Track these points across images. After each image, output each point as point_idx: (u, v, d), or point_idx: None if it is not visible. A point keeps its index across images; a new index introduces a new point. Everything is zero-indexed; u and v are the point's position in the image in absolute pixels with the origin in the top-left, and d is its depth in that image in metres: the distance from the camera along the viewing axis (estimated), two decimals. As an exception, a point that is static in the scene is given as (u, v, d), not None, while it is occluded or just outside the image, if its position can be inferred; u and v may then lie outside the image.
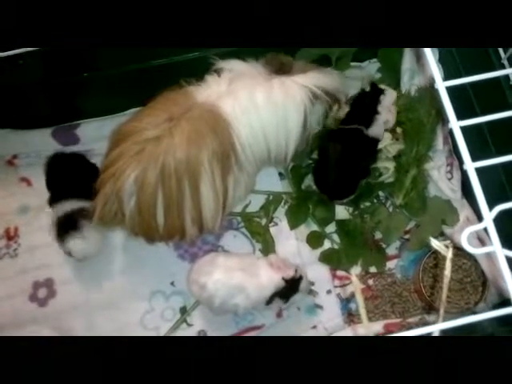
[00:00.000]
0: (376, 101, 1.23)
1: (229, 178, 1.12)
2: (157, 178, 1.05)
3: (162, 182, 1.05)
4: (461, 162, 1.24)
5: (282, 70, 1.14)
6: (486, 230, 0.54)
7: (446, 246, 0.55)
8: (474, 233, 1.17)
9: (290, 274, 1.15)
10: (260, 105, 1.10)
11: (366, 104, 1.24)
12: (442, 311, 0.54)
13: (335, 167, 1.22)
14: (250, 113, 1.10)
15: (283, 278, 1.14)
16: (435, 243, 0.55)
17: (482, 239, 1.16)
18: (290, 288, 1.16)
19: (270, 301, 1.16)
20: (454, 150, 1.27)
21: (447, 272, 0.54)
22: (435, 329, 0.49)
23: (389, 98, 1.25)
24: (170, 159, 1.04)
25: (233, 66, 1.14)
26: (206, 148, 1.05)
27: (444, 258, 0.53)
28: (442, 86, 0.57)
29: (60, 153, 1.32)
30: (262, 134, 1.13)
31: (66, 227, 1.20)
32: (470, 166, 0.54)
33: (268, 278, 1.15)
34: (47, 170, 1.30)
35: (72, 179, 1.26)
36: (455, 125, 0.55)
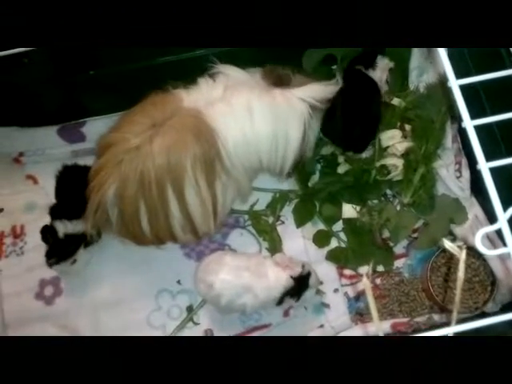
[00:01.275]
0: (373, 57, 1.27)
1: (216, 183, 1.10)
2: (137, 188, 1.05)
3: (143, 191, 1.05)
4: (471, 161, 1.22)
5: (280, 82, 1.13)
6: (500, 230, 0.53)
7: (460, 247, 0.54)
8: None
9: (297, 270, 1.14)
10: (256, 114, 1.09)
11: (363, 58, 1.27)
12: (455, 314, 0.54)
13: (343, 111, 1.19)
14: (244, 121, 1.09)
15: (291, 277, 1.13)
16: (448, 244, 0.54)
17: (491, 239, 1.15)
18: (300, 285, 1.15)
19: (281, 301, 1.15)
20: (464, 149, 1.25)
21: (461, 273, 0.53)
22: (450, 331, 0.48)
23: (383, 61, 1.29)
24: (149, 166, 1.03)
25: (230, 72, 1.13)
26: (188, 154, 1.04)
27: (453, 258, 0.53)
28: (455, 84, 0.56)
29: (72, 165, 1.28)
30: (253, 144, 1.11)
31: (61, 250, 1.20)
32: (484, 166, 0.53)
33: (276, 277, 1.14)
34: (58, 181, 1.27)
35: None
36: (469, 124, 0.54)
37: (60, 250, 1.19)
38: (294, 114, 1.12)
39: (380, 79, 1.27)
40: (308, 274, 1.16)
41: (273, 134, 1.11)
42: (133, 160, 1.04)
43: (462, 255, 0.53)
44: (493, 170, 0.55)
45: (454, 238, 1.27)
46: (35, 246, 1.29)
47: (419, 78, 1.32)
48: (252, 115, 1.09)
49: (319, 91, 1.14)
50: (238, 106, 1.09)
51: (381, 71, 1.26)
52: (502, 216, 0.52)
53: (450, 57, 1.18)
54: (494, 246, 1.10)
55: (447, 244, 0.55)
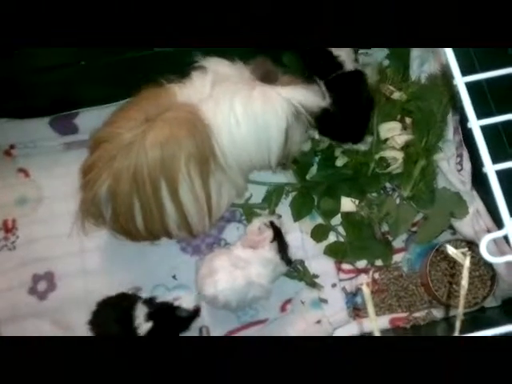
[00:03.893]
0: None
1: (210, 181, 1.08)
2: (130, 185, 1.03)
3: (136, 187, 1.03)
4: (472, 154, 1.19)
5: (267, 77, 1.10)
6: (506, 237, 0.50)
7: (464, 254, 0.52)
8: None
9: (270, 235, 1.15)
10: (239, 114, 1.06)
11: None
12: (458, 324, 0.51)
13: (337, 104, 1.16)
14: (229, 121, 1.06)
15: (271, 242, 1.15)
16: (451, 250, 0.52)
17: (495, 239, 1.13)
18: (280, 238, 1.17)
19: (287, 260, 1.17)
20: (465, 142, 1.22)
21: (464, 282, 0.51)
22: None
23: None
24: (142, 162, 1.01)
25: (217, 67, 1.09)
26: (182, 151, 1.02)
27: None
28: (461, 82, 0.53)
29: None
30: (241, 143, 1.09)
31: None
32: (491, 170, 0.51)
33: (258, 259, 1.13)
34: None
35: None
36: (475, 125, 0.51)
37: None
38: (274, 112, 1.07)
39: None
40: (274, 225, 1.17)
41: (255, 134, 1.08)
42: (126, 156, 1.02)
43: (466, 262, 0.51)
44: (498, 172, 0.52)
45: (453, 232, 1.25)
46: (27, 241, 1.27)
47: (420, 67, 1.29)
48: (236, 116, 1.06)
49: (304, 95, 1.09)
50: (223, 105, 1.06)
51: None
52: (508, 222, 0.50)
53: (454, 51, 1.14)
54: (498, 247, 1.07)
55: (451, 250, 0.52)
